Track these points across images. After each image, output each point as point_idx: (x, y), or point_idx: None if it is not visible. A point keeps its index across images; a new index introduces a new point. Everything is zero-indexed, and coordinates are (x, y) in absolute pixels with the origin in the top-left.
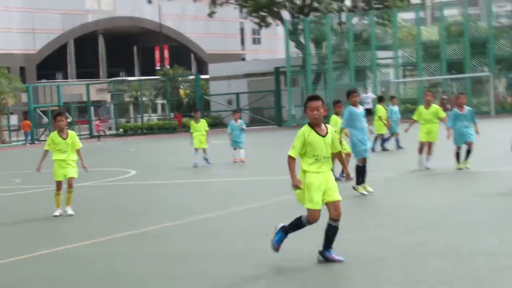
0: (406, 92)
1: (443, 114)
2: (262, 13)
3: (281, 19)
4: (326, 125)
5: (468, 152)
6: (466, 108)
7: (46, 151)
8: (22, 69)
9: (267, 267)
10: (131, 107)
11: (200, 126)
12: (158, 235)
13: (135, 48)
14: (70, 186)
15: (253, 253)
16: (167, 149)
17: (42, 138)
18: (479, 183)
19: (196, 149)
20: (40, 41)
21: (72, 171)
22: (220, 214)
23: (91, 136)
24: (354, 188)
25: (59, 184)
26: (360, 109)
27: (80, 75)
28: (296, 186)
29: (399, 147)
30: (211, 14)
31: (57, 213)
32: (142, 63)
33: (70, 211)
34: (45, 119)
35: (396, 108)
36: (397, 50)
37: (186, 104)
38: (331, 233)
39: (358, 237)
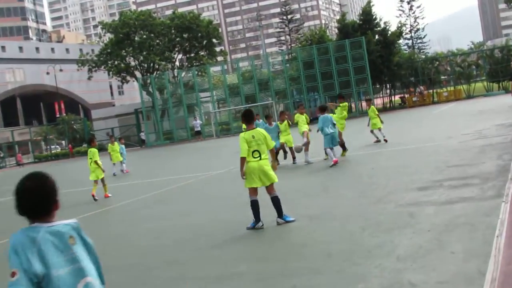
0: (221, 118)
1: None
2: (123, 74)
3: (135, 77)
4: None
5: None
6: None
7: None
8: None
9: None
10: (42, 143)
11: (116, 147)
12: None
13: (41, 104)
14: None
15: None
16: (68, 169)
17: None
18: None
19: (114, 163)
20: None
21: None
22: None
23: (17, 164)
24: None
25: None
26: (273, 125)
27: (6, 125)
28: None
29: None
30: (89, 78)
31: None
32: (47, 113)
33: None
34: None
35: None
36: (212, 91)
37: (79, 138)
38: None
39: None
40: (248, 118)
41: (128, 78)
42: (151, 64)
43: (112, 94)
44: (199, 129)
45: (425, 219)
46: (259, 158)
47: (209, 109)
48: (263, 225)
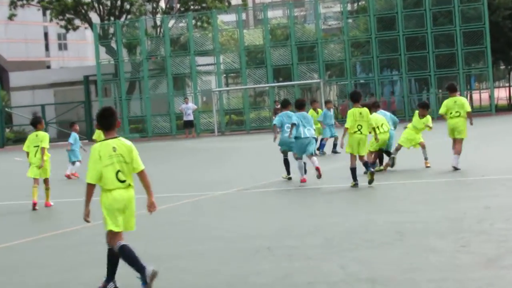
0: (229, 102)
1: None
2: (68, 16)
3: (89, 22)
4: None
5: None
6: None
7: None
8: None
9: None
10: None
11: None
12: None
13: None
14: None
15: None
16: None
17: None
18: (313, 201)
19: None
20: None
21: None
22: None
23: None
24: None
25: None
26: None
27: None
28: None
29: (334, 151)
30: (11, 17)
31: None
32: None
33: None
34: None
35: (331, 112)
36: (218, 56)
37: None
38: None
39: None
40: (107, 120)
41: (76, 22)
42: (118, 2)
43: (47, 48)
44: (191, 118)
45: None
46: (127, 184)
47: (210, 85)
48: (115, 287)
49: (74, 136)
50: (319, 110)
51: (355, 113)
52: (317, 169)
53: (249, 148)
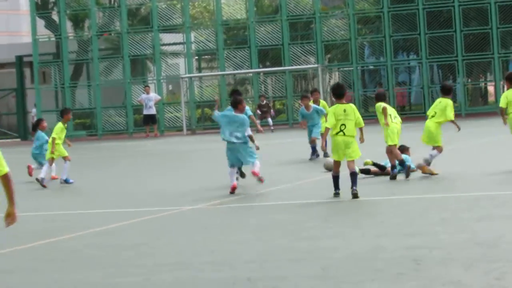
0: (203, 92)
1: None
2: None
3: None
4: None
5: None
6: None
7: None
8: None
9: None
10: None
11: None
12: None
13: None
14: None
15: None
16: None
17: None
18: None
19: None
20: None
21: None
22: None
23: None
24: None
25: None
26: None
27: None
28: None
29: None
30: None
31: None
32: None
33: None
34: None
35: (309, 110)
36: (188, 33)
37: None
38: None
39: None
40: None
41: None
42: None
43: None
44: (153, 111)
45: None
46: None
47: (178, 70)
48: None
49: (43, 136)
50: (321, 101)
51: (337, 110)
52: (253, 173)
53: (225, 151)
